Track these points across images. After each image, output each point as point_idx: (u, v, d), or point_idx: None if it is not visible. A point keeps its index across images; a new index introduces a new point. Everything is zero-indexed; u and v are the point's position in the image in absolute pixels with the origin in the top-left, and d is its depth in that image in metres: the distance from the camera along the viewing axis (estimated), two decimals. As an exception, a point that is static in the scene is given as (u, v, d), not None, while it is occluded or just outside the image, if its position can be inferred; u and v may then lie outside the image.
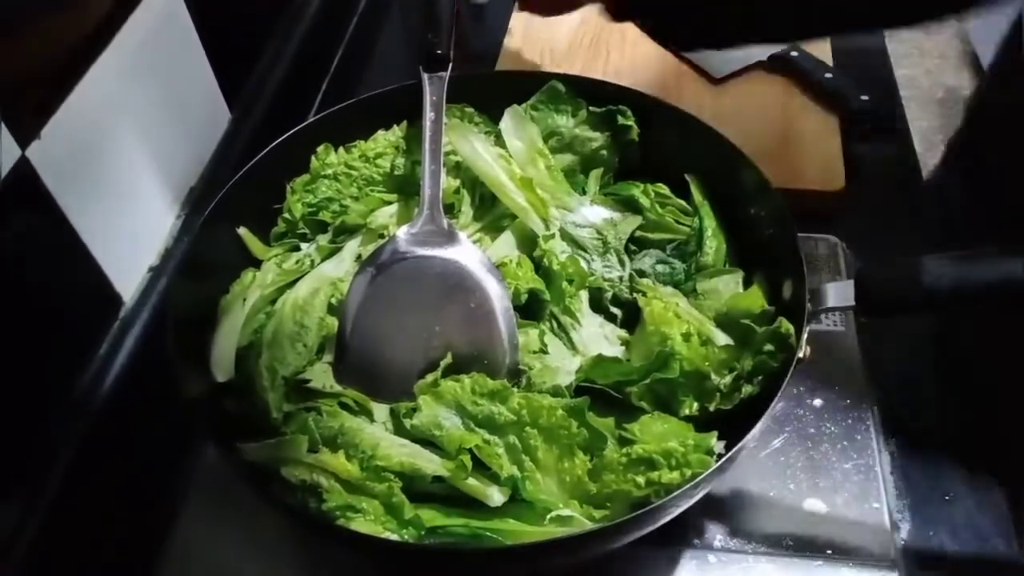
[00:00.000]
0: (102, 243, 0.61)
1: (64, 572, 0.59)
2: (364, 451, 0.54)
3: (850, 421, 0.65)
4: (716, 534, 0.59)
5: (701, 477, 0.48)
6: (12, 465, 0.55)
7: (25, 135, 0.53)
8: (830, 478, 0.62)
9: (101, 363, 0.62)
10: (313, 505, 0.51)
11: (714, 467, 0.48)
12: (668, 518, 0.50)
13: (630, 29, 0.97)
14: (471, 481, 0.52)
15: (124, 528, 0.62)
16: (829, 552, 0.58)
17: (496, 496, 0.52)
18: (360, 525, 0.50)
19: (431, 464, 0.53)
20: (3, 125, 0.51)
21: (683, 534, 0.59)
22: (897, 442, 0.64)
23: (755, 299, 0.59)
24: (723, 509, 0.60)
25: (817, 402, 0.66)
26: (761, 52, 0.91)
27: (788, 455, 0.63)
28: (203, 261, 0.62)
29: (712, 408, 0.55)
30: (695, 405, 0.55)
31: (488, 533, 0.51)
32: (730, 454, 0.49)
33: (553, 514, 0.51)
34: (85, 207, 0.59)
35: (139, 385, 0.62)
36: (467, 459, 0.52)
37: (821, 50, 0.91)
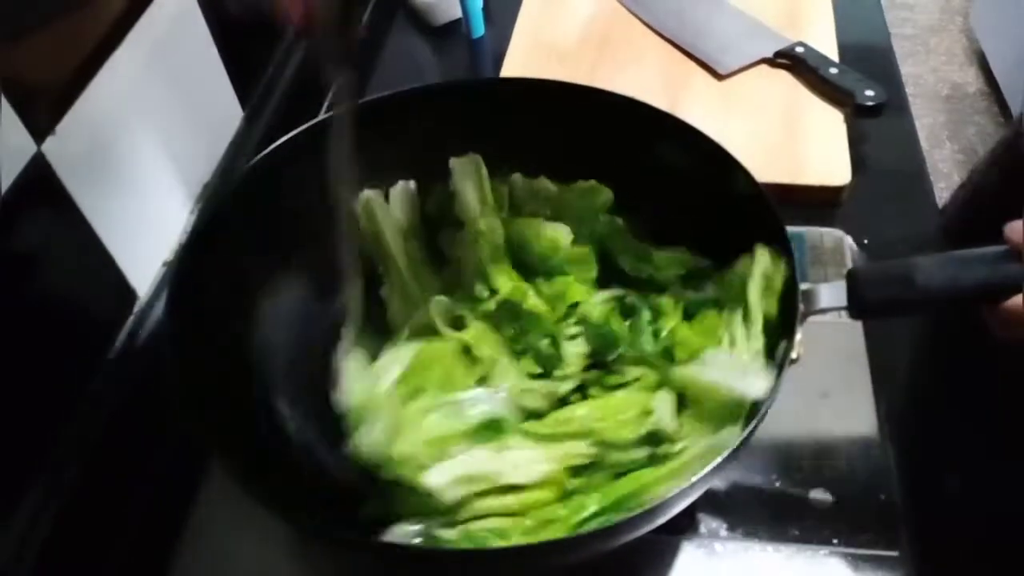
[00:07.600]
0: (117, 237, 0.62)
1: (78, 568, 0.59)
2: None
3: (856, 412, 0.65)
4: (722, 523, 0.60)
5: (698, 477, 0.47)
6: (27, 460, 0.55)
7: (40, 130, 0.54)
8: (836, 468, 0.62)
9: (116, 357, 0.62)
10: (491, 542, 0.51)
11: (712, 465, 0.47)
12: (668, 516, 0.49)
13: (637, 26, 0.99)
14: None
15: (138, 522, 0.62)
16: (835, 542, 0.58)
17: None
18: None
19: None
20: (19, 120, 0.52)
21: (688, 523, 0.60)
22: (903, 433, 0.64)
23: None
24: (728, 498, 0.61)
25: (823, 392, 0.66)
26: (766, 48, 0.92)
27: (794, 445, 0.63)
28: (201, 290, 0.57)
29: None
30: None
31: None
32: (726, 453, 0.47)
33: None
34: (100, 202, 0.60)
35: (155, 380, 0.62)
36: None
37: (827, 46, 0.92)
